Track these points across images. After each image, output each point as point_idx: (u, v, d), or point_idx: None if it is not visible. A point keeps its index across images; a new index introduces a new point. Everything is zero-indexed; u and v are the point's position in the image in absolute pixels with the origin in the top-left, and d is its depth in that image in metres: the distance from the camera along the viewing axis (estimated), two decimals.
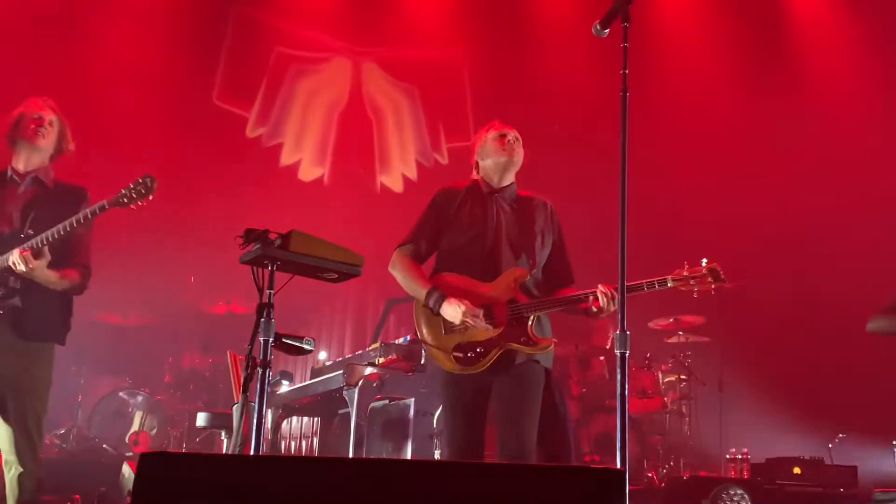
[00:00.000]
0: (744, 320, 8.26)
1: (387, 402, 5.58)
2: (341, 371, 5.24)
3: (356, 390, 5.07)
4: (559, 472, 1.76)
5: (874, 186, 8.04)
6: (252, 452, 3.12)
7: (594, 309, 3.79)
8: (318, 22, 10.01)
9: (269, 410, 6.30)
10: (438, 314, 3.87)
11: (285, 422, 6.73)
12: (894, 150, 8.19)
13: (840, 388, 7.88)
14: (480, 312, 3.82)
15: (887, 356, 7.51)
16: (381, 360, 5.45)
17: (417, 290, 3.98)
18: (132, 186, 3.88)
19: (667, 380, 8.08)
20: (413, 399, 5.30)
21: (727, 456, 7.39)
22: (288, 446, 7.09)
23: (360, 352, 5.92)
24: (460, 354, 3.83)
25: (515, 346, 3.81)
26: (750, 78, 9.22)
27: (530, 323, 3.84)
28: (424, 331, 3.98)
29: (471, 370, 3.83)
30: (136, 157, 8.20)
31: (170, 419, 8.13)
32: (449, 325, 3.87)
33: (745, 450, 7.25)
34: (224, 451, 6.36)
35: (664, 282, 3.70)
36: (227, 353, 5.84)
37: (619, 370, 2.91)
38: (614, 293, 3.69)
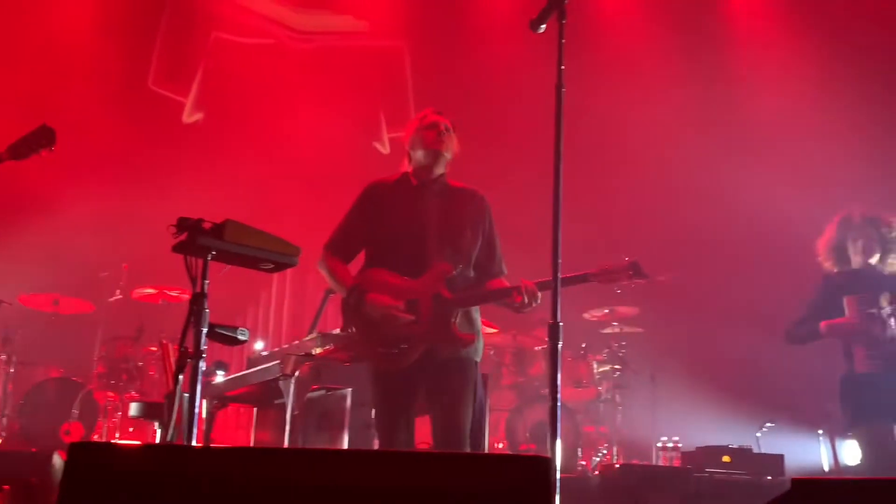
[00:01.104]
0: (676, 311, 8.43)
1: (323, 392, 5.56)
2: (278, 361, 5.20)
3: (292, 381, 5.03)
4: (487, 460, 1.79)
5: (807, 181, 8.22)
6: (185, 443, 3.11)
7: (517, 304, 3.81)
8: (258, 7, 9.91)
9: (204, 401, 6.24)
10: (361, 311, 3.87)
11: (220, 412, 6.66)
12: (826, 142, 8.38)
13: (769, 378, 8.09)
14: (402, 308, 3.82)
15: (814, 349, 7.75)
16: (319, 350, 5.42)
17: (341, 287, 4.01)
18: (29, 136, 3.85)
19: (601, 370, 8.20)
20: (350, 389, 5.28)
21: (658, 444, 7.55)
22: (223, 437, 7.03)
23: (297, 341, 5.90)
24: (384, 351, 3.83)
25: (440, 341, 3.82)
26: (686, 71, 9.37)
27: (454, 319, 3.84)
28: (350, 328, 3.99)
29: (396, 366, 3.84)
30: (67, 142, 8.01)
31: (102, 409, 8.00)
32: (375, 323, 3.86)
33: (677, 438, 7.42)
34: (157, 441, 6.28)
35: (584, 277, 3.76)
36: (160, 342, 5.76)
37: (550, 361, 2.96)
38: (535, 289, 3.76)
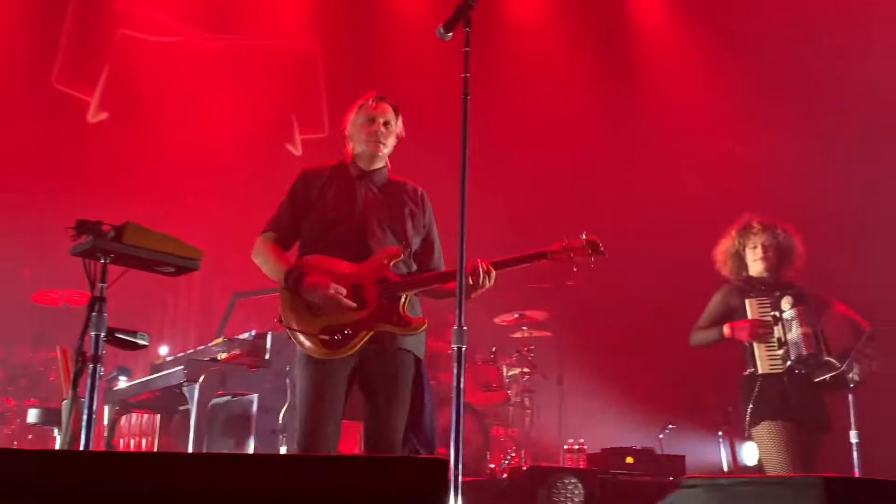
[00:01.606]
0: (583, 315, 8.57)
1: (229, 398, 5.50)
2: (182, 366, 5.12)
3: (197, 386, 4.97)
4: (385, 463, 1.80)
5: (713, 190, 8.42)
6: (81, 449, 3.04)
7: (470, 281, 3.59)
8: (166, 5, 9.73)
9: (107, 407, 6.10)
10: (300, 295, 3.65)
11: (123, 419, 6.52)
12: (736, 141, 8.62)
13: (671, 381, 8.29)
14: (345, 291, 3.61)
15: (715, 353, 7.98)
16: (225, 355, 5.37)
17: (278, 272, 3.76)
18: None
19: (511, 373, 8.29)
20: (256, 395, 5.24)
21: (565, 447, 7.67)
22: (126, 444, 6.87)
23: (202, 347, 5.81)
24: (326, 337, 3.59)
25: (387, 327, 3.63)
26: (593, 69, 9.57)
27: (403, 302, 3.67)
28: (288, 314, 3.71)
29: (338, 354, 3.61)
30: None
31: (1, 416, 7.74)
32: (315, 308, 3.63)
33: (582, 440, 7.55)
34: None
35: (542, 255, 3.66)
36: (60, 347, 5.61)
37: (455, 365, 2.98)
38: (490, 269, 3.62)
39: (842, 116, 8.16)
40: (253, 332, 5.57)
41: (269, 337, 5.40)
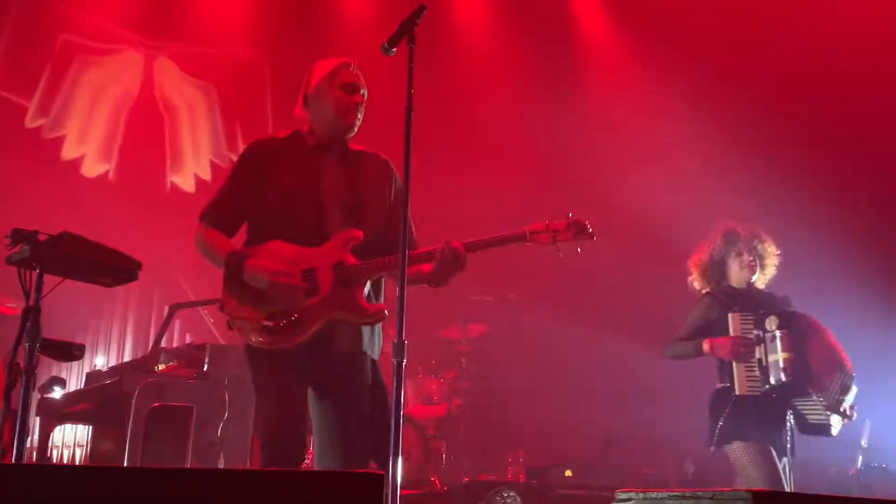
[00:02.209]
0: (524, 329, 8.63)
1: (166, 409, 5.43)
2: (118, 377, 5.05)
3: (133, 397, 4.90)
4: (319, 477, 1.81)
5: (679, 188, 8.49)
6: (13, 461, 2.98)
7: (437, 269, 3.31)
8: (109, 11, 9.59)
9: (38, 418, 5.98)
10: (244, 281, 3.27)
11: (57, 430, 6.40)
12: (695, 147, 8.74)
13: (612, 394, 8.39)
14: (291, 273, 3.25)
15: (657, 368, 8.10)
16: (162, 366, 5.31)
17: (218, 258, 3.37)
18: None
19: (451, 386, 8.32)
20: (194, 407, 5.19)
21: (508, 460, 7.71)
22: (60, 456, 6.73)
23: (139, 357, 5.74)
24: (271, 324, 3.24)
25: (341, 314, 3.25)
26: (535, 77, 9.68)
27: (364, 290, 3.31)
28: (232, 302, 3.33)
29: (285, 343, 3.24)
30: None
31: None
32: (261, 295, 3.26)
33: (522, 453, 7.61)
34: None
35: (521, 236, 3.33)
36: None
37: (395, 379, 2.90)
38: (461, 250, 3.29)
39: (789, 117, 8.35)
40: (191, 343, 5.53)
41: (207, 348, 5.36)
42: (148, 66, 9.82)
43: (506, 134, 9.45)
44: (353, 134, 3.55)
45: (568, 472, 6.76)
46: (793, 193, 7.72)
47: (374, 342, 3.48)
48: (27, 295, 3.03)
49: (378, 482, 1.80)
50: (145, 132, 9.66)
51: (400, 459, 2.74)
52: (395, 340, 2.87)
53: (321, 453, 3.33)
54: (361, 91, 3.52)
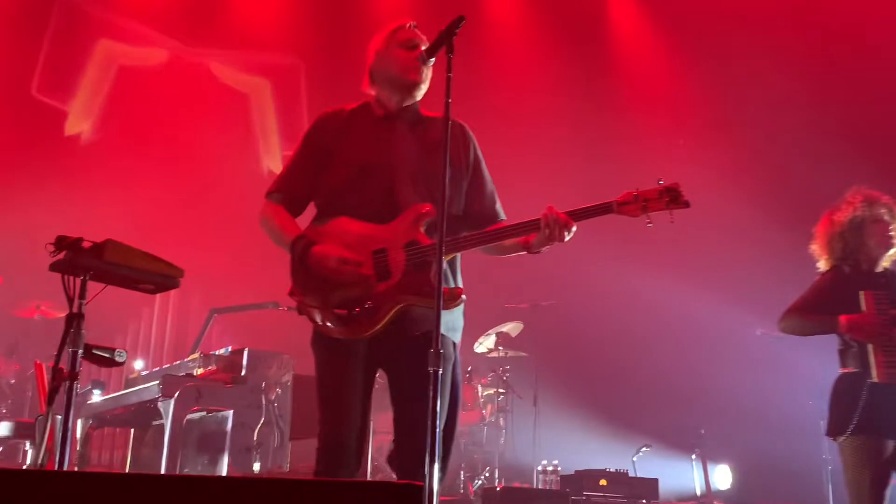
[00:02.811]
0: (558, 337, 8.60)
1: (204, 413, 5.49)
2: (157, 381, 5.11)
3: (172, 401, 4.96)
4: (359, 487, 1.82)
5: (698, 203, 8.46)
6: (57, 467, 3.03)
7: (546, 232, 3.06)
8: (150, 18, 9.72)
9: (80, 421, 6.06)
10: (307, 266, 3.09)
11: (97, 433, 6.49)
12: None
13: (645, 404, 8.35)
14: (359, 261, 3.03)
15: (692, 376, 8.05)
16: (200, 370, 5.37)
17: (284, 240, 3.20)
18: None
19: (486, 393, 8.31)
20: (231, 411, 5.24)
21: (539, 468, 7.68)
22: (99, 458, 6.83)
23: (178, 362, 5.81)
24: (344, 312, 3.03)
25: (416, 299, 2.99)
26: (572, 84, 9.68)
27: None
28: (300, 288, 3.15)
29: (359, 332, 3.03)
30: None
31: None
32: (329, 281, 3.06)
33: (556, 462, 7.57)
34: (28, 464, 6.06)
35: (608, 207, 3.08)
36: (34, 362, 5.59)
37: (431, 389, 2.81)
38: (566, 218, 3.05)
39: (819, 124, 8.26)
40: (229, 349, 5.59)
41: (245, 353, 5.41)
42: (190, 69, 9.93)
43: (539, 131, 9.47)
44: (421, 94, 3.34)
45: (603, 482, 6.71)
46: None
47: (455, 320, 3.22)
48: (70, 301, 3.07)
49: (418, 492, 1.80)
50: (183, 135, 9.74)
51: (437, 467, 2.57)
52: (431, 350, 2.67)
53: (400, 449, 3.11)
54: (420, 44, 3.27)
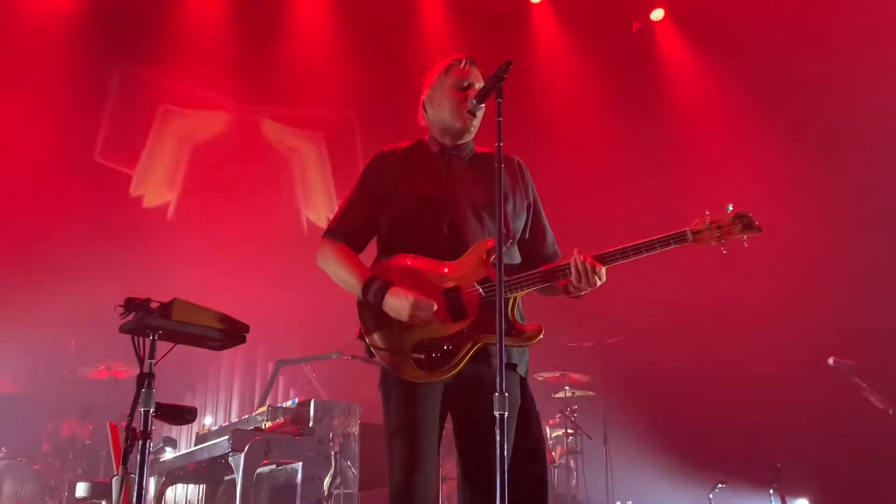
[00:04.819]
0: (626, 375, 8.49)
1: (274, 466, 5.51)
2: (227, 436, 5.16)
3: (242, 456, 4.99)
4: None
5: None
6: None
7: (571, 287, 3.05)
8: (205, 80, 9.97)
9: (153, 478, 6.14)
10: (383, 310, 3.03)
11: (170, 490, 6.55)
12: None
13: (718, 438, 8.16)
14: (434, 305, 2.98)
15: (765, 407, 7.87)
16: (269, 424, 5.39)
17: (353, 282, 3.12)
18: None
19: (554, 434, 8.21)
20: (301, 463, 5.24)
21: None
22: None
23: (246, 416, 5.85)
24: (422, 356, 3.00)
25: (493, 338, 2.82)
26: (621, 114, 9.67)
27: (512, 305, 3.03)
28: (372, 331, 3.09)
29: (438, 375, 2.98)
30: (9, 216, 8.00)
31: (49, 489, 7.79)
32: (402, 323, 3.02)
33: (630, 502, 7.43)
34: None
35: (682, 236, 3.01)
36: (108, 423, 5.69)
37: (497, 432, 2.69)
38: (592, 263, 3.00)
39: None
40: (296, 400, 5.61)
41: (312, 404, 5.43)
42: (248, 128, 10.15)
43: (588, 159, 9.46)
44: (471, 136, 3.35)
45: None
46: None
47: (523, 353, 3.18)
48: (141, 361, 3.13)
49: None
50: (240, 189, 9.91)
51: None
52: (497, 393, 2.59)
53: (469, 486, 3.01)
54: (476, 85, 3.26)
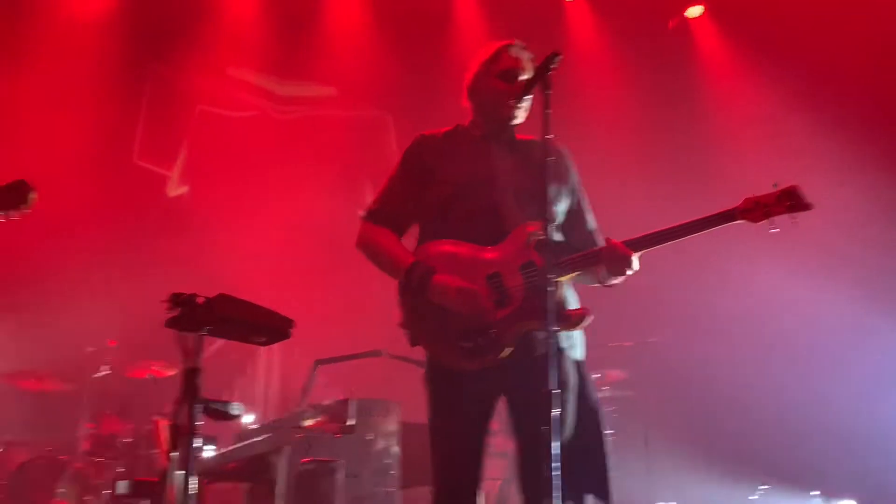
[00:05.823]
0: (666, 374, 8.39)
1: (315, 465, 5.50)
2: (267, 435, 5.15)
3: (283, 454, 4.99)
4: None
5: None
6: None
7: (601, 275, 3.00)
8: (241, 79, 10.02)
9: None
10: (426, 298, 2.97)
11: (210, 488, 6.56)
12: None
13: (760, 439, 8.04)
14: (478, 291, 2.92)
15: (808, 408, 7.74)
16: (309, 422, 5.39)
17: (395, 267, 3.08)
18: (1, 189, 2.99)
19: None
20: (342, 461, 5.24)
21: None
22: None
23: (286, 414, 5.85)
24: (469, 344, 2.91)
25: (540, 324, 2.75)
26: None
27: (557, 290, 2.92)
28: (414, 319, 3.07)
29: (485, 363, 2.92)
30: (51, 220, 8.07)
31: (90, 488, 7.83)
32: (446, 310, 2.96)
33: (674, 503, 7.34)
34: None
35: (730, 215, 2.91)
36: (153, 420, 5.72)
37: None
38: (623, 251, 2.92)
39: None
40: (336, 399, 5.60)
41: (351, 403, 5.42)
42: (280, 125, 10.17)
43: (625, 150, 9.39)
44: (517, 123, 3.29)
45: None
46: None
47: (574, 340, 3.07)
48: (186, 357, 3.12)
49: None
50: (276, 187, 9.94)
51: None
52: (544, 389, 2.55)
53: (526, 482, 2.93)
54: (522, 77, 3.19)
